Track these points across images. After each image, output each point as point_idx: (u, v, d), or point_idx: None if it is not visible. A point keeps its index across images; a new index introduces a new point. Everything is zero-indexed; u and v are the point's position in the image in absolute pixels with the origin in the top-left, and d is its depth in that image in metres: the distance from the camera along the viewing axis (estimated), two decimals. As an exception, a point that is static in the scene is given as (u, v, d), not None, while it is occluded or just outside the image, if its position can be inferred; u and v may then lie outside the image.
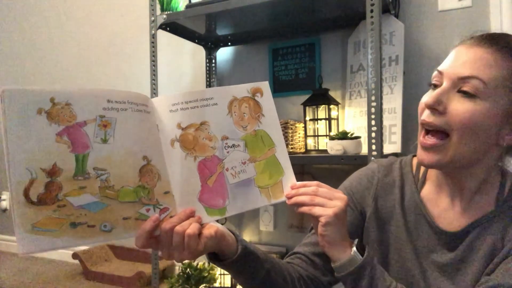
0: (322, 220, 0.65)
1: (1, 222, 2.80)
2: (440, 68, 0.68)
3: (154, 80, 1.68)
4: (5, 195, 2.80)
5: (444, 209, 0.73)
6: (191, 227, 0.59)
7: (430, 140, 0.67)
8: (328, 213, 0.64)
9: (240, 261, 0.67)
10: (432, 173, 0.76)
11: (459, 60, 0.66)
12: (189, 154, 0.63)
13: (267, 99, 0.70)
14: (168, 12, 1.63)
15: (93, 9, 2.48)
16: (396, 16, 1.58)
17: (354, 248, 0.68)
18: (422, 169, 0.79)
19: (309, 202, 0.65)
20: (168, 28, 1.72)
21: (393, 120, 1.48)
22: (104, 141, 0.57)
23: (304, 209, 0.66)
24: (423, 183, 0.77)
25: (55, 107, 0.54)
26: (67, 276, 2.21)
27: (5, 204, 2.79)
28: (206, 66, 2.02)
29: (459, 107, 0.64)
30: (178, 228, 0.59)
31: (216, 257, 0.68)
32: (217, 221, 0.67)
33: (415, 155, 0.81)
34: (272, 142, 0.69)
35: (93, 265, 2.17)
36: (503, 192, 0.71)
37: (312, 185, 0.67)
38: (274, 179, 0.68)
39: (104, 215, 0.56)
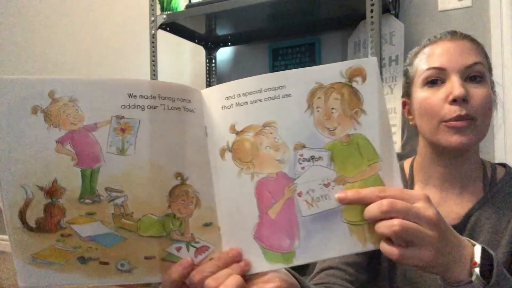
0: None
1: (1, 222, 2.80)
2: (438, 65, 0.71)
3: (154, 80, 1.68)
4: (5, 195, 2.79)
5: (436, 204, 0.74)
6: (229, 283, 0.42)
7: (463, 121, 0.68)
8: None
9: None
10: (420, 173, 0.77)
11: (455, 53, 0.70)
12: (245, 170, 0.46)
13: (372, 87, 0.47)
14: (168, 12, 1.63)
15: (93, 9, 2.48)
16: (396, 16, 1.58)
17: (477, 272, 0.48)
18: (407, 173, 0.79)
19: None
20: (168, 28, 1.72)
21: (393, 120, 1.48)
22: (121, 151, 0.43)
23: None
24: (412, 186, 0.78)
25: (55, 105, 0.41)
26: (67, 276, 2.21)
27: (5, 204, 2.79)
28: (206, 66, 2.02)
29: (477, 92, 0.68)
30: (210, 282, 0.43)
31: None
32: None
33: (404, 159, 0.82)
34: (375, 154, 0.47)
35: (93, 265, 2.17)
36: (487, 177, 0.73)
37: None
38: None
39: (120, 251, 0.43)
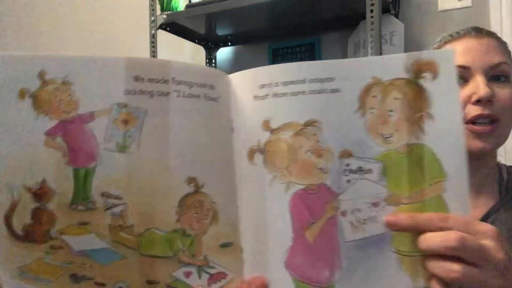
0: None
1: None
2: (461, 63, 0.68)
3: (154, 80, 1.68)
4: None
5: None
6: None
7: (488, 126, 0.66)
8: None
9: None
10: None
11: (480, 51, 0.67)
12: (279, 178, 0.37)
13: (445, 86, 0.37)
14: (168, 12, 1.63)
15: (93, 9, 2.48)
16: (396, 16, 1.58)
17: None
18: None
19: None
20: (168, 28, 1.72)
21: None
22: (122, 148, 0.35)
23: None
24: None
25: (45, 88, 0.34)
26: (67, 276, 2.20)
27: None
28: (206, 66, 2.02)
29: (502, 92, 0.66)
30: None
31: None
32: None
33: None
34: (441, 172, 0.38)
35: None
36: (503, 180, 0.72)
37: None
38: None
39: (118, 271, 0.36)
